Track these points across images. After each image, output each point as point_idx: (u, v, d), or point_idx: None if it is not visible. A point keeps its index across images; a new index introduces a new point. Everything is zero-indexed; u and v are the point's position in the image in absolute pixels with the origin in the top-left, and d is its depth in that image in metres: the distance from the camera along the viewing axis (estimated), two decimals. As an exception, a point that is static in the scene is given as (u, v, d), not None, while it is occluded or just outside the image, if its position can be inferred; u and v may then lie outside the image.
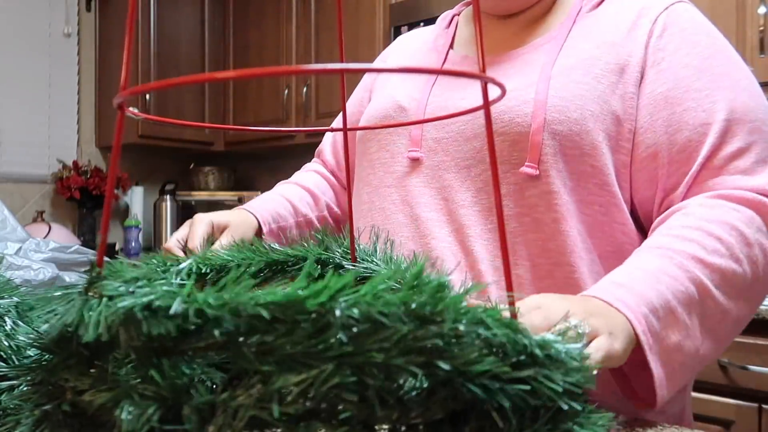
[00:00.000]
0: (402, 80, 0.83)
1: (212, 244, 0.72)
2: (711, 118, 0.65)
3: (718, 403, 1.43)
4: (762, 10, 1.66)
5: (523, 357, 0.25)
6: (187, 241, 0.78)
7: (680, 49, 0.68)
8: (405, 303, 0.23)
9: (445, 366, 0.23)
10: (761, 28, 1.66)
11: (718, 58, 0.68)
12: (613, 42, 0.70)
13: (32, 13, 2.80)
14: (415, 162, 0.75)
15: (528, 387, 0.25)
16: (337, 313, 0.22)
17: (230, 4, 3.14)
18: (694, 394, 1.43)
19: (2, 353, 0.55)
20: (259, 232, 0.85)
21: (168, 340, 0.24)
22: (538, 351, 0.25)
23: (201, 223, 0.79)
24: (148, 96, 2.83)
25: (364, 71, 0.24)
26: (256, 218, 0.85)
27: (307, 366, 0.22)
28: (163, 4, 2.90)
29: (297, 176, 1.01)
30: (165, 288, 0.24)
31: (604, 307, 0.54)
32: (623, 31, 0.70)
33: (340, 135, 0.99)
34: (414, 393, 0.24)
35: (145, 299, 0.23)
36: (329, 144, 1.02)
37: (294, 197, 0.92)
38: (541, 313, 0.49)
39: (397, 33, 2.37)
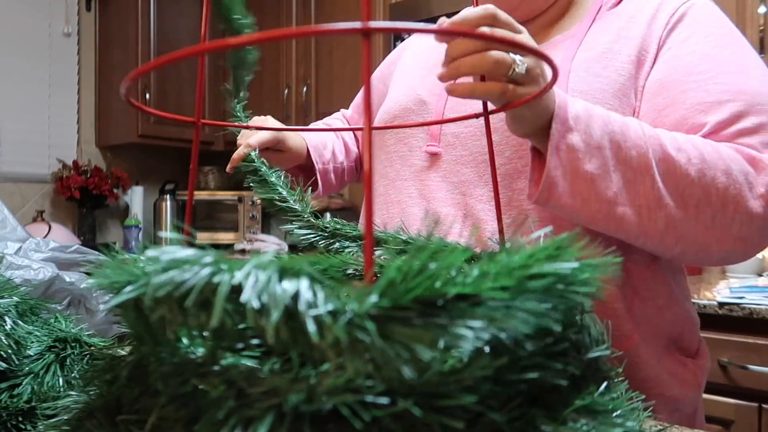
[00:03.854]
0: (422, 75, 0.82)
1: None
2: (712, 97, 0.63)
3: (718, 403, 1.43)
4: (762, 10, 1.66)
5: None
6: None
7: (690, 38, 0.67)
8: None
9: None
10: (761, 28, 1.66)
11: (729, 47, 0.66)
12: (632, 36, 0.69)
13: (32, 13, 2.80)
14: (434, 156, 0.75)
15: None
16: None
17: (230, 3, 3.13)
18: (694, 394, 1.44)
19: (2, 352, 0.55)
20: (302, 161, 0.89)
21: None
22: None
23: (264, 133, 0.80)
24: (147, 95, 2.83)
25: (386, 31, 0.23)
26: (308, 149, 0.89)
27: None
28: (162, 4, 2.90)
29: (330, 121, 1.04)
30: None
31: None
32: (642, 24, 0.70)
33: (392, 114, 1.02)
34: None
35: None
36: (353, 110, 1.04)
37: (333, 144, 0.97)
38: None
39: (397, 33, 2.37)
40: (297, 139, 0.87)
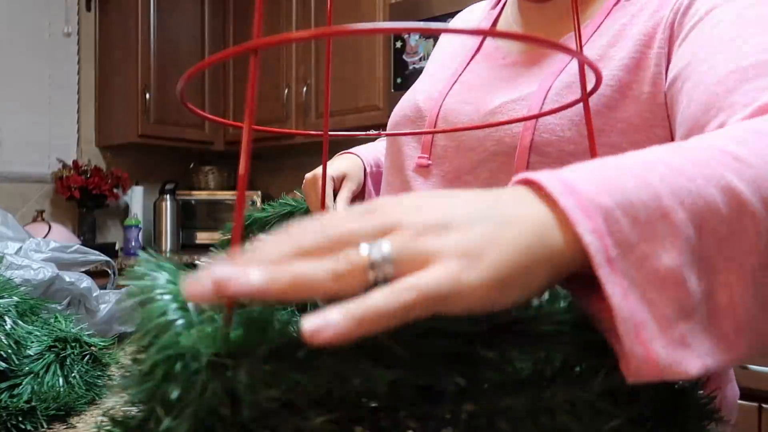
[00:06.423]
0: (425, 78, 0.81)
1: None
2: (750, 59, 0.49)
3: (718, 403, 1.43)
4: (762, 9, 1.66)
5: None
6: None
7: (714, 8, 0.56)
8: None
9: None
10: (761, 28, 1.66)
11: (761, 5, 0.54)
12: (632, 35, 0.63)
13: (32, 13, 2.80)
14: (424, 169, 0.74)
15: None
16: None
17: (230, 4, 3.14)
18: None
19: (2, 352, 0.55)
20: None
21: None
22: None
23: (326, 181, 0.81)
24: (147, 95, 2.83)
25: (276, 44, 0.24)
26: (362, 161, 0.90)
27: None
28: (163, 4, 2.90)
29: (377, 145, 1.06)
30: None
31: (520, 201, 0.31)
32: (646, 16, 0.63)
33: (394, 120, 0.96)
34: None
35: None
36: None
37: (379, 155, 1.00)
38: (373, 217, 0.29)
39: (397, 33, 2.36)
40: (357, 173, 0.89)
